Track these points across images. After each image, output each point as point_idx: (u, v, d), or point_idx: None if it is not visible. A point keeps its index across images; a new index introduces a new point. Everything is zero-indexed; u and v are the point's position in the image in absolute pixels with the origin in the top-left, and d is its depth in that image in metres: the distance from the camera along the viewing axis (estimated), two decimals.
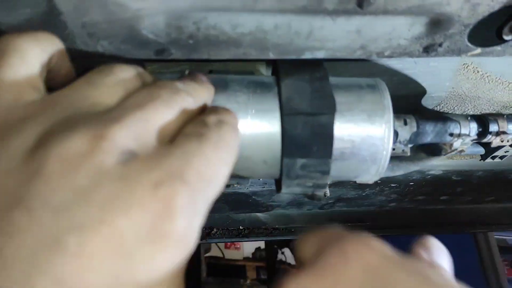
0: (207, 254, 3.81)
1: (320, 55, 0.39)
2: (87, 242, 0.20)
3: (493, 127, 0.49)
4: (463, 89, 0.54)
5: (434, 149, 0.50)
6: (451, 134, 0.47)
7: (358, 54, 0.39)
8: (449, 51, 0.40)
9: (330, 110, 0.37)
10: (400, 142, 0.45)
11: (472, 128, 0.48)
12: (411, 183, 0.86)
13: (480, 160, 0.64)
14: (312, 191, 0.40)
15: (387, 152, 0.39)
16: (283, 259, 4.02)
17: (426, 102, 0.57)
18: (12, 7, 0.31)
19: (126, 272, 0.21)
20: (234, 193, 0.84)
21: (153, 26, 0.34)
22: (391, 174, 0.50)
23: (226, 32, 0.36)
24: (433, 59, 0.48)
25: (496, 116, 0.51)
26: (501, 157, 0.62)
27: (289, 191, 0.40)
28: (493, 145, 0.51)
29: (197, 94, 0.30)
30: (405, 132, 0.45)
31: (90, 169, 0.21)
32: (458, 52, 0.40)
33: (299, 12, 0.34)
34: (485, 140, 0.50)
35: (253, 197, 0.87)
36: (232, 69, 0.46)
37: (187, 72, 0.35)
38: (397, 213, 1.11)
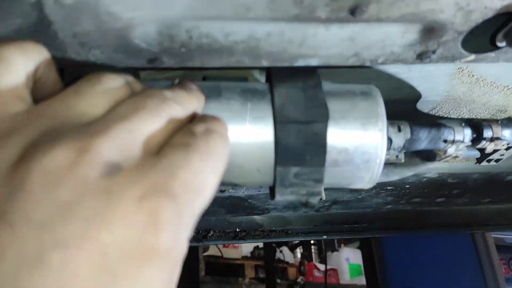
0: (206, 253, 3.81)
1: (313, 62, 0.39)
2: (70, 258, 0.19)
3: (487, 133, 0.49)
4: (458, 93, 0.54)
5: (428, 155, 0.50)
6: (445, 141, 0.47)
7: (351, 62, 0.39)
8: (442, 58, 0.39)
9: (323, 118, 0.37)
10: (394, 149, 0.45)
11: (466, 134, 0.48)
12: (407, 186, 0.86)
13: (475, 163, 0.64)
14: (306, 199, 0.40)
15: (380, 160, 0.39)
16: (281, 257, 4.03)
17: (421, 106, 0.57)
18: (2, 17, 0.30)
19: None
20: (230, 197, 0.84)
21: (145, 35, 0.34)
22: (385, 179, 0.50)
23: (218, 41, 0.35)
24: (428, 64, 0.48)
25: (490, 122, 0.50)
26: (497, 160, 0.62)
27: (283, 198, 0.40)
28: (487, 151, 0.51)
29: (185, 102, 0.30)
30: (399, 139, 0.44)
31: (73, 183, 0.21)
32: (452, 58, 0.40)
33: (292, 20, 0.33)
34: (479, 146, 0.50)
35: (249, 200, 0.87)
36: (226, 75, 0.45)
37: (176, 81, 0.35)
38: (394, 215, 1.11)
